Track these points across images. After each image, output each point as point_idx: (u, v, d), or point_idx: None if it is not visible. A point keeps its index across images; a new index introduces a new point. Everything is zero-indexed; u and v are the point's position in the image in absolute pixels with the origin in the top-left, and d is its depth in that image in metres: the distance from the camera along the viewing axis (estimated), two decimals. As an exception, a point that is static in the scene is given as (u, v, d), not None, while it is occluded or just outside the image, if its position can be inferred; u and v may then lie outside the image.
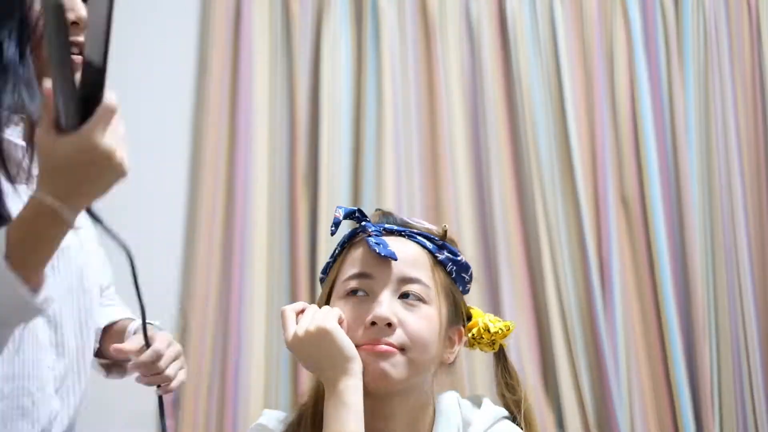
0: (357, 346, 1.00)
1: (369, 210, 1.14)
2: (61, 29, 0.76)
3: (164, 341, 1.18)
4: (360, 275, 1.04)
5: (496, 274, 2.33)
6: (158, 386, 1.21)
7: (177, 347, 1.21)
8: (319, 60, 2.37)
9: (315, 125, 2.35)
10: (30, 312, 0.86)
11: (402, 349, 1.00)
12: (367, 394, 0.99)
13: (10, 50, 0.98)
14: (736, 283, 2.40)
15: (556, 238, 2.36)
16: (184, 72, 2.38)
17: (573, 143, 2.40)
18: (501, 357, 1.14)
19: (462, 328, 1.11)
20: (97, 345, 1.28)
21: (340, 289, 1.06)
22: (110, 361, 1.31)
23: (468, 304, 1.16)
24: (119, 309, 1.35)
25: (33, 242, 0.83)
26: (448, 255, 1.08)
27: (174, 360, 1.20)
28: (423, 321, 1.02)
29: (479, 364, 2.21)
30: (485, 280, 2.34)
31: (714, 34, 2.50)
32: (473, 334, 1.12)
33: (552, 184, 2.39)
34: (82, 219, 0.99)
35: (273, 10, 2.40)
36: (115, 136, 0.83)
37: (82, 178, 0.81)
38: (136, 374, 1.20)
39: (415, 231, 1.08)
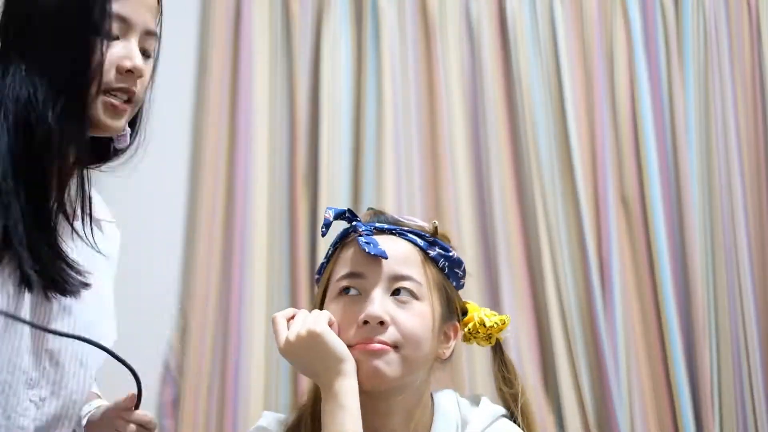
0: (350, 346, 1.01)
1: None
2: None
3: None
4: (351, 275, 1.05)
5: (496, 273, 2.33)
6: None
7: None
8: (319, 60, 2.37)
9: (315, 125, 2.35)
10: None
11: (395, 346, 1.01)
12: (364, 392, 0.99)
13: None
14: (736, 283, 2.40)
15: (556, 238, 2.36)
16: (184, 72, 2.38)
17: (573, 143, 2.40)
18: (498, 351, 1.15)
19: (457, 323, 1.12)
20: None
21: (333, 289, 1.07)
22: None
23: (466, 300, 1.16)
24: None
25: None
26: (440, 251, 1.09)
27: None
28: (415, 318, 1.03)
29: (479, 365, 2.21)
30: (485, 279, 2.34)
31: (714, 34, 2.50)
32: (469, 329, 1.12)
33: (552, 184, 2.39)
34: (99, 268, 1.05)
35: (273, 10, 2.40)
36: None
37: None
38: None
39: (406, 228, 1.09)
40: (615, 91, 2.47)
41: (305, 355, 1.00)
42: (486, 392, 1.18)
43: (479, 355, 2.19)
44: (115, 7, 1.03)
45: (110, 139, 1.13)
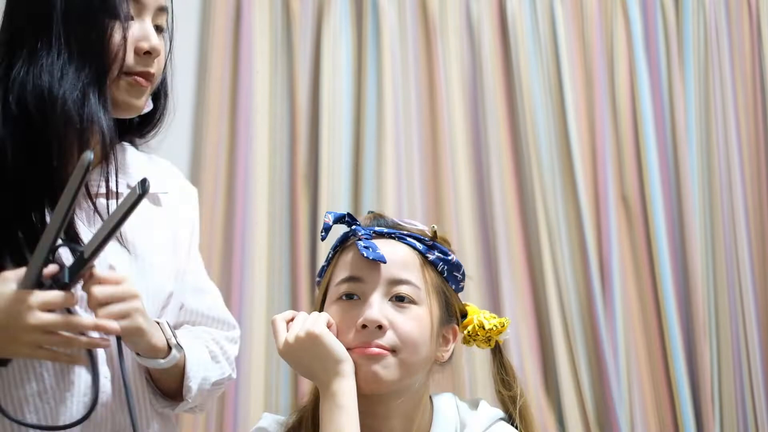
0: (349, 349, 1.01)
1: (370, 208, 1.14)
2: (73, 195, 0.85)
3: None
4: (351, 279, 1.06)
5: (496, 273, 2.33)
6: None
7: (123, 289, 0.96)
8: (319, 59, 2.37)
9: (315, 125, 2.35)
10: None
11: (393, 350, 1.02)
12: (362, 395, 1.00)
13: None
14: (737, 282, 2.40)
15: (557, 237, 2.36)
16: (184, 72, 2.38)
17: (573, 143, 2.40)
18: (497, 353, 1.16)
19: (456, 326, 1.12)
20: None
21: (332, 292, 1.08)
22: None
23: (466, 302, 1.16)
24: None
25: None
26: (439, 255, 1.10)
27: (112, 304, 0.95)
28: (413, 322, 1.04)
29: (479, 368, 2.21)
30: (486, 279, 2.35)
31: (714, 33, 2.50)
32: (468, 332, 1.13)
33: (552, 183, 2.39)
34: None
35: (273, 10, 2.40)
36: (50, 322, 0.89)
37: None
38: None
39: (405, 232, 1.10)
40: (615, 91, 2.47)
41: (304, 357, 1.01)
42: (486, 395, 1.18)
43: (479, 359, 2.19)
44: None
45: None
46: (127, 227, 0.98)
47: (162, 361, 1.04)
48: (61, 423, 0.99)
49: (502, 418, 1.12)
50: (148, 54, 1.06)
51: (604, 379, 2.30)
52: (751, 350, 2.36)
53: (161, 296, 1.12)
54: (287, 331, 1.03)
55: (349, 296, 1.05)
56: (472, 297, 2.23)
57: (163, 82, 1.18)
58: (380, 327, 1.02)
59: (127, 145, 1.18)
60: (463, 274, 1.13)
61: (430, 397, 1.12)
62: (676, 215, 2.43)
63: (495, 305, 2.29)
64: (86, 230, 1.05)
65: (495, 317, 1.13)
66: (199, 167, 2.30)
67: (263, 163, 2.32)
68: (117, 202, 1.07)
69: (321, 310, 1.08)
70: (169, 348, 1.05)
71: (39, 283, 0.90)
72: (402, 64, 2.40)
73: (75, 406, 1.01)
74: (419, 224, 1.13)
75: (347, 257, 1.08)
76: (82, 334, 0.93)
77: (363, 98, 2.37)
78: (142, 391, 1.09)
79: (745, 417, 2.34)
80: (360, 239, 1.06)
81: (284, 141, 2.36)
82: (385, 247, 1.06)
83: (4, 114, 0.99)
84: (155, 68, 1.08)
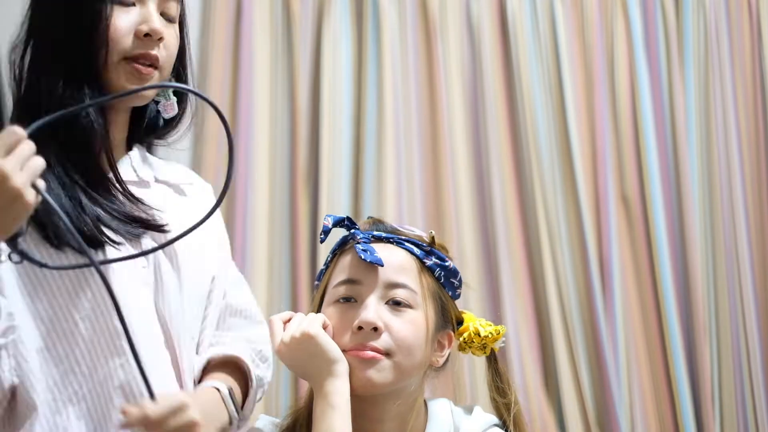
0: (344, 351, 1.03)
1: (369, 211, 1.15)
2: None
3: (165, 406, 0.88)
4: (348, 281, 1.07)
5: (496, 273, 2.33)
6: None
7: (185, 417, 0.90)
8: (319, 60, 2.37)
9: (315, 125, 2.36)
10: None
11: (387, 353, 1.03)
12: (356, 397, 1.02)
13: None
14: (737, 282, 2.40)
15: (557, 237, 2.36)
16: (184, 72, 2.38)
17: (573, 143, 2.40)
18: (492, 361, 1.17)
19: (452, 332, 1.13)
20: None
21: (330, 295, 1.09)
22: None
23: (467, 306, 1.17)
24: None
25: None
26: (436, 261, 1.11)
27: None
28: (409, 325, 1.05)
29: (480, 374, 2.21)
30: (486, 280, 2.35)
31: (714, 33, 2.50)
32: (464, 338, 1.15)
33: (552, 183, 2.39)
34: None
35: (273, 10, 2.40)
36: (13, 161, 0.79)
37: None
38: None
39: (403, 238, 1.11)
40: (615, 91, 2.47)
41: (299, 357, 1.03)
42: (487, 401, 1.19)
43: (480, 365, 2.19)
44: None
45: (157, 113, 1.14)
46: (158, 216, 1.01)
47: None
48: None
49: (496, 425, 1.13)
50: (149, 37, 1.04)
51: (604, 379, 2.30)
52: (751, 350, 2.36)
53: (206, 279, 1.11)
54: (284, 331, 1.04)
55: (347, 299, 1.07)
56: (472, 297, 2.23)
57: (185, 82, 1.17)
58: (376, 329, 1.03)
59: (138, 148, 1.16)
60: (460, 281, 1.15)
61: (425, 402, 1.13)
62: (676, 215, 2.43)
63: (495, 306, 2.29)
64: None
65: (491, 325, 1.15)
66: (200, 167, 2.30)
67: (263, 163, 2.32)
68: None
69: (318, 311, 1.09)
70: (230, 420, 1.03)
71: None
72: (402, 64, 2.40)
73: None
74: (417, 230, 1.14)
75: (345, 260, 1.09)
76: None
77: (363, 98, 2.37)
78: None
79: (745, 417, 2.34)
80: (358, 243, 1.08)
81: (284, 141, 2.36)
82: (383, 251, 1.07)
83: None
84: (160, 53, 1.06)
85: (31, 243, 0.94)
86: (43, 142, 0.84)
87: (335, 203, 2.28)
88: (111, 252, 0.98)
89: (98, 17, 1.01)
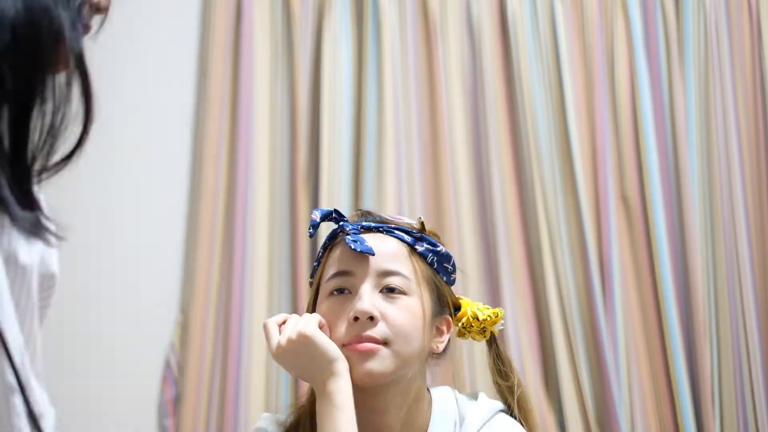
0: (342, 346, 1.02)
1: (370, 209, 1.15)
2: None
3: None
4: (341, 273, 1.07)
5: (496, 273, 2.33)
6: None
7: None
8: (319, 60, 2.37)
9: (316, 125, 2.36)
10: None
11: (385, 342, 1.02)
12: (358, 388, 1.01)
13: None
14: (737, 283, 2.40)
15: (557, 237, 2.36)
16: (184, 72, 2.39)
17: (573, 143, 2.40)
18: (492, 344, 1.16)
19: (450, 318, 1.13)
20: None
21: (324, 289, 1.09)
22: None
23: (460, 296, 1.17)
24: None
25: None
26: (428, 246, 1.10)
27: None
28: (404, 312, 1.04)
29: (479, 361, 2.21)
30: (486, 279, 2.35)
31: (714, 33, 2.50)
32: (463, 324, 1.14)
33: (552, 183, 2.39)
34: None
35: (274, 10, 2.41)
36: None
37: None
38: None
39: (393, 226, 1.11)
40: (615, 91, 2.47)
41: (297, 359, 1.02)
42: (487, 387, 1.18)
43: (479, 352, 2.20)
44: None
45: None
46: None
47: None
48: None
49: (501, 410, 1.12)
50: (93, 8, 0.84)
51: (604, 379, 2.30)
52: (751, 350, 2.36)
53: None
54: (279, 334, 1.04)
55: (340, 291, 1.06)
56: (472, 297, 2.22)
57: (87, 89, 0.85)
58: (372, 318, 1.02)
59: None
60: (454, 266, 1.14)
61: (429, 390, 1.13)
62: (676, 215, 2.43)
63: (495, 304, 2.27)
64: None
65: (489, 308, 1.14)
66: (200, 167, 2.30)
67: (263, 163, 2.32)
68: None
69: (313, 307, 1.09)
70: None
71: None
72: (402, 64, 2.41)
73: None
74: (406, 218, 1.14)
75: (336, 253, 1.09)
76: None
77: (363, 98, 2.38)
78: None
79: (745, 417, 2.34)
80: (348, 234, 1.07)
81: (284, 141, 2.36)
82: (373, 240, 1.07)
83: None
84: None
85: None
86: None
87: (335, 203, 2.28)
88: None
89: None
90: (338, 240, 1.10)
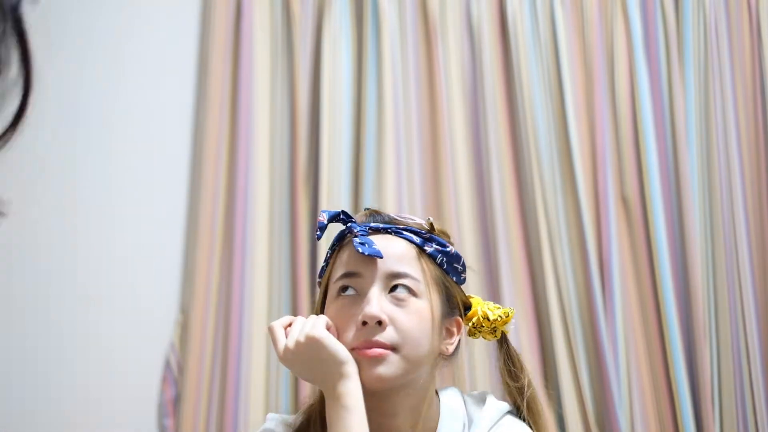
0: (351, 350, 1.00)
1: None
2: None
3: None
4: (348, 275, 1.05)
5: (496, 273, 2.33)
6: None
7: None
8: (319, 60, 2.37)
9: (315, 125, 2.36)
10: None
11: (394, 348, 1.01)
12: (367, 391, 0.99)
13: None
14: (737, 283, 2.40)
15: (557, 238, 2.36)
16: (184, 72, 2.39)
17: (573, 143, 2.40)
18: (503, 344, 1.15)
19: (460, 318, 1.11)
20: None
21: (331, 290, 1.07)
22: None
23: (469, 295, 1.16)
24: None
25: None
26: (437, 247, 1.09)
27: None
28: (413, 316, 1.03)
29: (479, 361, 2.21)
30: (486, 279, 2.35)
31: (714, 34, 2.50)
32: (473, 323, 1.12)
33: (552, 183, 2.39)
34: None
35: (273, 10, 2.41)
36: None
37: None
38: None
39: (401, 227, 1.09)
40: (615, 91, 2.47)
41: (306, 362, 1.00)
42: (487, 388, 1.18)
43: (479, 352, 2.20)
44: None
45: None
46: None
47: None
48: None
49: (509, 412, 1.11)
50: None
51: (604, 378, 2.30)
52: (751, 350, 2.36)
53: None
54: (286, 337, 1.02)
55: (349, 293, 1.05)
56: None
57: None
58: (380, 323, 1.01)
59: None
60: (464, 266, 1.12)
61: (437, 392, 1.12)
62: (676, 215, 2.43)
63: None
64: None
65: (499, 308, 1.12)
66: (200, 167, 2.30)
67: (263, 163, 2.32)
68: None
69: (321, 309, 1.08)
70: None
71: None
72: (402, 64, 2.41)
73: None
74: (416, 218, 1.12)
75: (344, 255, 1.07)
76: None
77: (363, 98, 2.38)
78: None
79: (745, 417, 2.34)
80: (356, 236, 1.06)
81: (284, 141, 2.36)
82: (382, 242, 1.05)
83: None
84: None
85: None
86: None
87: (335, 203, 2.28)
88: None
89: None
90: (346, 241, 1.09)
